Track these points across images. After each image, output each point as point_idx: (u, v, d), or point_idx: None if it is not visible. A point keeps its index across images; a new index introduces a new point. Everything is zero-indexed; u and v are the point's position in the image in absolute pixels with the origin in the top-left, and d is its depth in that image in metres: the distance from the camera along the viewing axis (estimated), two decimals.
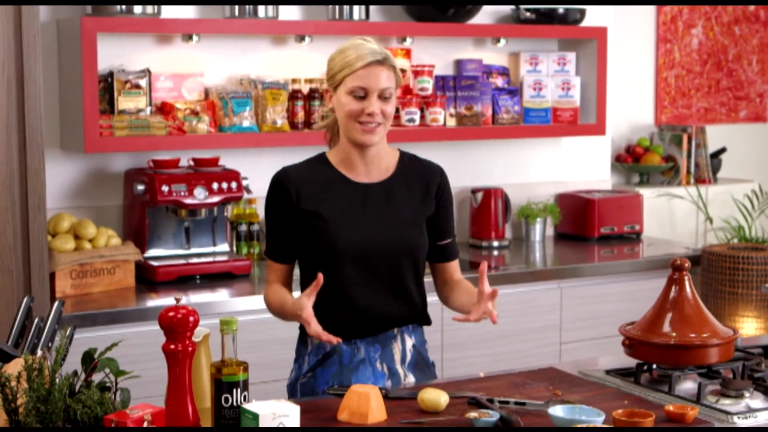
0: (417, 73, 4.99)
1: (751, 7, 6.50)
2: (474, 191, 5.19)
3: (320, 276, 2.83)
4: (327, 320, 2.95)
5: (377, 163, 3.06)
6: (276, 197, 3.04)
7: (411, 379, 3.09)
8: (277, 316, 3.10)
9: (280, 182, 3.04)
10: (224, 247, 4.52)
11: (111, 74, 4.39)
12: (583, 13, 5.28)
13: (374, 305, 3.02)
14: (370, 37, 3.04)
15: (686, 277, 3.02)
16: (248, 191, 4.50)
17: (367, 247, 3.00)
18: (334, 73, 2.99)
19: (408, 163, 3.12)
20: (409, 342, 3.11)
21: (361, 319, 3.03)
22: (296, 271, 3.15)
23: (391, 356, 3.08)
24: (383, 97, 2.95)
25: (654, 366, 3.03)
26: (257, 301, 4.06)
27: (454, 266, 3.19)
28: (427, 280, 3.17)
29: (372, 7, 4.93)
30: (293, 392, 3.14)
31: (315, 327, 2.81)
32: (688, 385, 2.95)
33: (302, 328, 3.13)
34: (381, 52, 2.96)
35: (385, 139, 3.06)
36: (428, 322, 3.16)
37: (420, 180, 3.10)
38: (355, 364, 3.05)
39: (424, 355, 3.17)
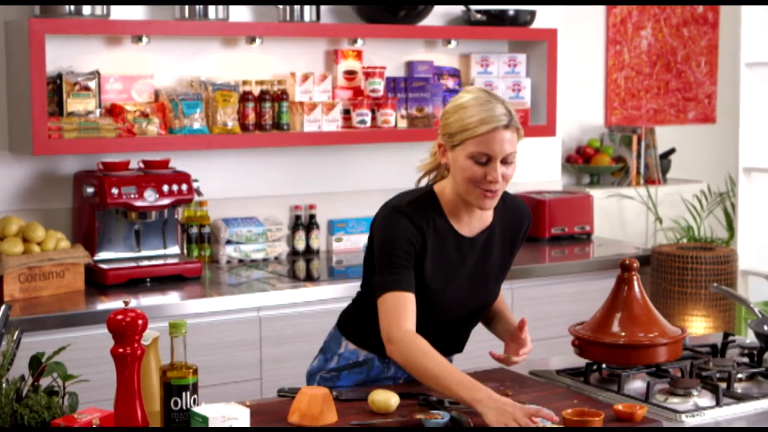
0: (368, 75, 4.99)
1: (699, 9, 6.57)
2: None
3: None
4: (376, 337, 2.87)
5: (480, 215, 2.96)
6: (412, 237, 2.84)
7: None
8: (425, 364, 2.74)
9: (420, 229, 2.85)
10: (175, 249, 4.49)
11: (60, 76, 4.36)
12: (533, 14, 5.31)
13: (429, 338, 2.87)
14: (488, 90, 2.87)
15: (635, 277, 3.04)
16: (199, 193, 4.48)
17: (453, 302, 2.95)
18: (453, 132, 2.81)
19: (503, 208, 3.00)
20: None
21: None
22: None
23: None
24: (506, 162, 2.81)
25: (603, 366, 3.05)
26: (207, 304, 4.06)
27: (500, 296, 3.15)
28: None
29: (323, 9, 4.92)
30: (311, 381, 3.11)
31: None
32: (637, 384, 2.97)
33: (340, 325, 3.10)
34: (506, 113, 2.79)
35: None
36: (460, 350, 3.12)
37: (513, 228, 3.03)
38: (381, 379, 3.06)
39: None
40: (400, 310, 2.77)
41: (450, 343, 3.03)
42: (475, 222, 2.95)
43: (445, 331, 2.99)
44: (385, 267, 2.82)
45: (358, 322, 3.06)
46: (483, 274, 2.97)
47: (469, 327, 3.07)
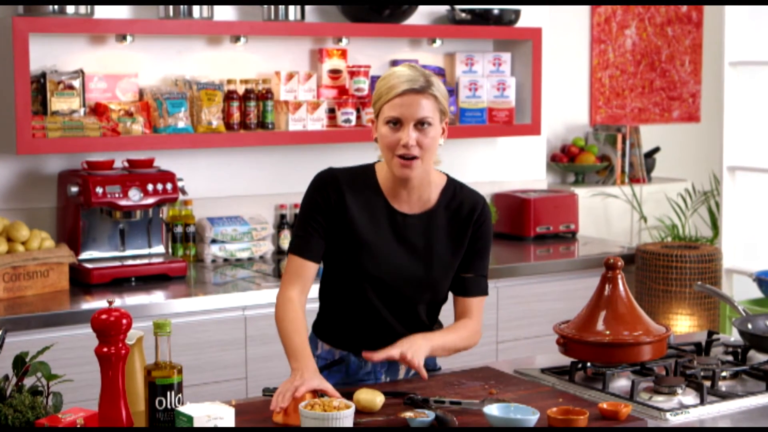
0: (353, 74, 4.99)
1: (683, 8, 6.58)
2: None
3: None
4: (342, 330, 3.04)
5: (419, 194, 2.98)
6: (318, 197, 2.97)
7: None
8: (278, 329, 2.96)
9: (324, 185, 2.98)
10: (160, 248, 4.49)
11: (44, 75, 4.35)
12: (517, 13, 5.32)
13: (389, 328, 2.99)
14: (416, 65, 2.92)
15: (619, 276, 3.04)
16: (183, 192, 4.47)
17: (392, 278, 2.97)
18: (374, 102, 2.91)
19: (452, 195, 3.03)
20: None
21: (375, 337, 2.98)
22: None
23: (396, 371, 3.08)
24: (420, 127, 2.85)
25: (588, 364, 3.05)
26: (192, 303, 4.05)
27: (471, 303, 3.06)
28: None
29: (308, 8, 4.92)
30: None
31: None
32: (621, 383, 2.98)
33: (314, 327, 3.14)
34: (419, 79, 2.84)
35: (430, 167, 2.96)
36: (426, 328, 3.10)
37: (460, 216, 3.02)
38: (361, 375, 3.06)
39: (431, 365, 3.13)
40: (293, 275, 2.96)
41: (406, 320, 3.01)
42: (414, 201, 2.99)
43: (398, 304, 2.99)
44: (297, 228, 3.00)
45: (327, 320, 3.11)
46: (423, 255, 2.98)
47: (421, 309, 3.03)
